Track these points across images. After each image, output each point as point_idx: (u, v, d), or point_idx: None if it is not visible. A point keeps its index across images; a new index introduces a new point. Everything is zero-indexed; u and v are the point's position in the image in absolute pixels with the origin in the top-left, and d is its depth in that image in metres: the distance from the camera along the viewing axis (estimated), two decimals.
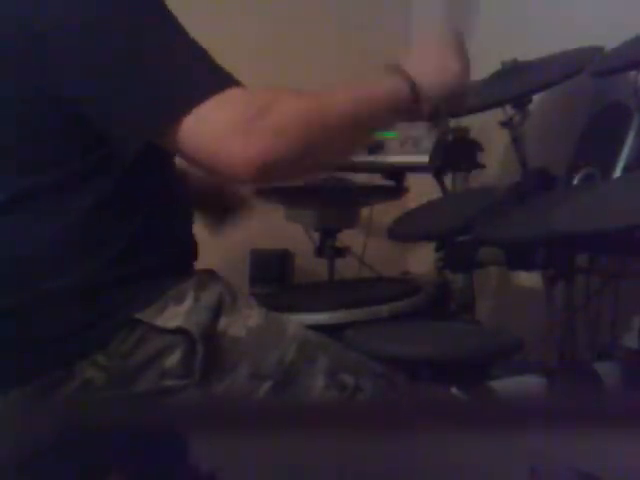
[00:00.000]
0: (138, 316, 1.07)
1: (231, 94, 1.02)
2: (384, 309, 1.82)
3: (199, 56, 1.05)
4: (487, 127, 2.07)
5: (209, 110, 1.00)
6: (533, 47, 1.93)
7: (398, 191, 2.16)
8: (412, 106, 1.14)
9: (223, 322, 1.11)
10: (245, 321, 1.13)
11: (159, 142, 1.04)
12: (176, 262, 1.15)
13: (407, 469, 0.64)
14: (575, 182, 1.64)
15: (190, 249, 1.21)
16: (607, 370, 1.61)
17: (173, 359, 1.07)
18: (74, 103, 1.04)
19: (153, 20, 1.05)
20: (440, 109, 1.18)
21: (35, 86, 1.06)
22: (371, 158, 2.03)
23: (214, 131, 1.00)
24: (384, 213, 2.23)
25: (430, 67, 1.16)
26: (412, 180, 2.15)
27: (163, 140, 1.03)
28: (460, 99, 1.21)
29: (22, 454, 0.68)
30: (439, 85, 1.16)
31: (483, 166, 2.10)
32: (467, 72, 1.19)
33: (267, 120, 1.01)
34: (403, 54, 1.19)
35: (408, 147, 2.03)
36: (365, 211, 2.31)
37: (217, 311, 1.11)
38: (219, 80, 1.03)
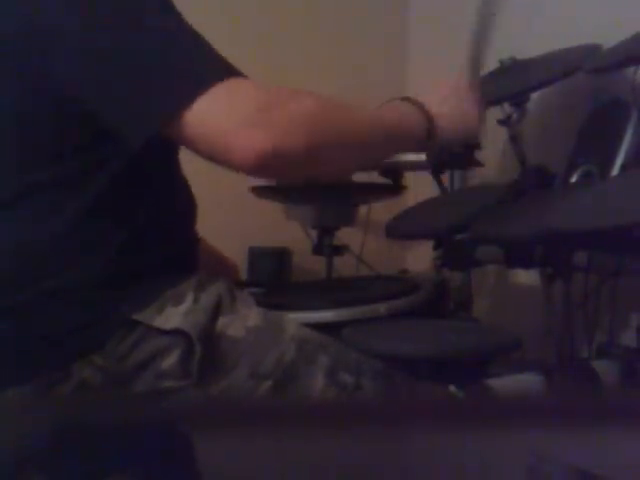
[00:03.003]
0: (136, 317, 1.07)
1: (241, 83, 1.01)
2: (382, 307, 1.81)
3: (204, 47, 1.03)
4: (485, 125, 2.07)
5: (216, 97, 0.98)
6: (531, 45, 1.93)
7: (396, 189, 2.16)
8: (423, 142, 1.17)
9: (221, 323, 1.11)
10: (243, 322, 1.12)
11: (166, 130, 1.01)
12: (176, 262, 1.14)
13: (406, 468, 0.64)
14: (573, 180, 1.64)
15: (191, 249, 1.20)
16: (605, 368, 1.61)
17: (170, 360, 1.06)
18: (75, 99, 1.03)
19: (156, 12, 1.04)
20: (446, 149, 1.21)
21: (35, 84, 1.05)
22: None
23: (220, 119, 0.98)
24: (382, 211, 2.23)
25: (449, 110, 1.18)
26: (410, 178, 2.15)
27: (169, 128, 1.00)
28: (470, 142, 1.24)
29: (20, 453, 0.68)
30: (454, 130, 1.19)
31: (481, 164, 2.09)
32: (483, 120, 1.23)
33: (278, 114, 1.00)
34: (427, 90, 1.21)
35: None
36: (363, 209, 2.31)
37: (215, 312, 1.10)
38: (226, 69, 1.02)
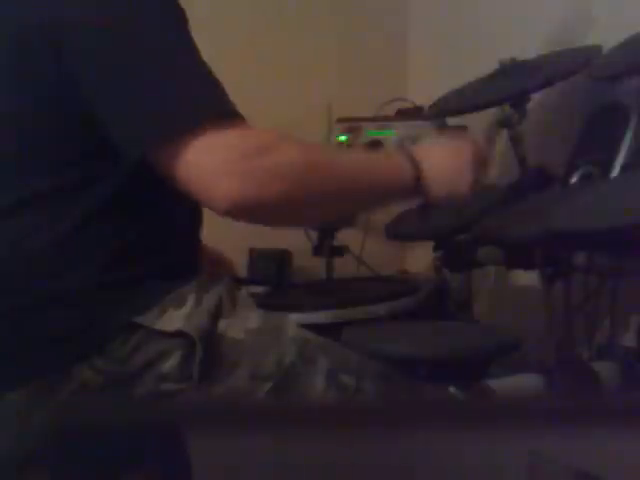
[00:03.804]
0: (137, 320, 1.07)
1: (232, 128, 1.02)
2: (382, 308, 1.82)
3: (207, 80, 1.04)
4: (485, 126, 2.07)
5: (208, 139, 1.00)
6: (531, 46, 1.93)
7: None
8: (410, 196, 1.16)
9: (222, 325, 1.11)
10: (244, 324, 1.12)
11: (154, 162, 1.03)
12: (178, 265, 1.14)
13: (406, 468, 0.64)
14: (573, 181, 1.64)
15: (193, 253, 1.20)
16: (605, 369, 1.61)
17: (171, 363, 1.06)
18: (79, 107, 1.04)
19: (167, 34, 1.05)
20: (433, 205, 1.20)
21: (38, 90, 1.06)
22: None
23: (208, 162, 1.00)
24: (382, 212, 2.23)
25: (442, 169, 1.17)
26: None
27: (157, 160, 1.02)
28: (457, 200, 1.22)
29: (20, 454, 0.68)
30: (444, 189, 1.17)
31: None
32: (476, 185, 1.20)
33: (262, 163, 1.01)
34: (427, 147, 1.20)
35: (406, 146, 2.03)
36: None
37: (216, 314, 1.11)
38: (221, 106, 1.03)
